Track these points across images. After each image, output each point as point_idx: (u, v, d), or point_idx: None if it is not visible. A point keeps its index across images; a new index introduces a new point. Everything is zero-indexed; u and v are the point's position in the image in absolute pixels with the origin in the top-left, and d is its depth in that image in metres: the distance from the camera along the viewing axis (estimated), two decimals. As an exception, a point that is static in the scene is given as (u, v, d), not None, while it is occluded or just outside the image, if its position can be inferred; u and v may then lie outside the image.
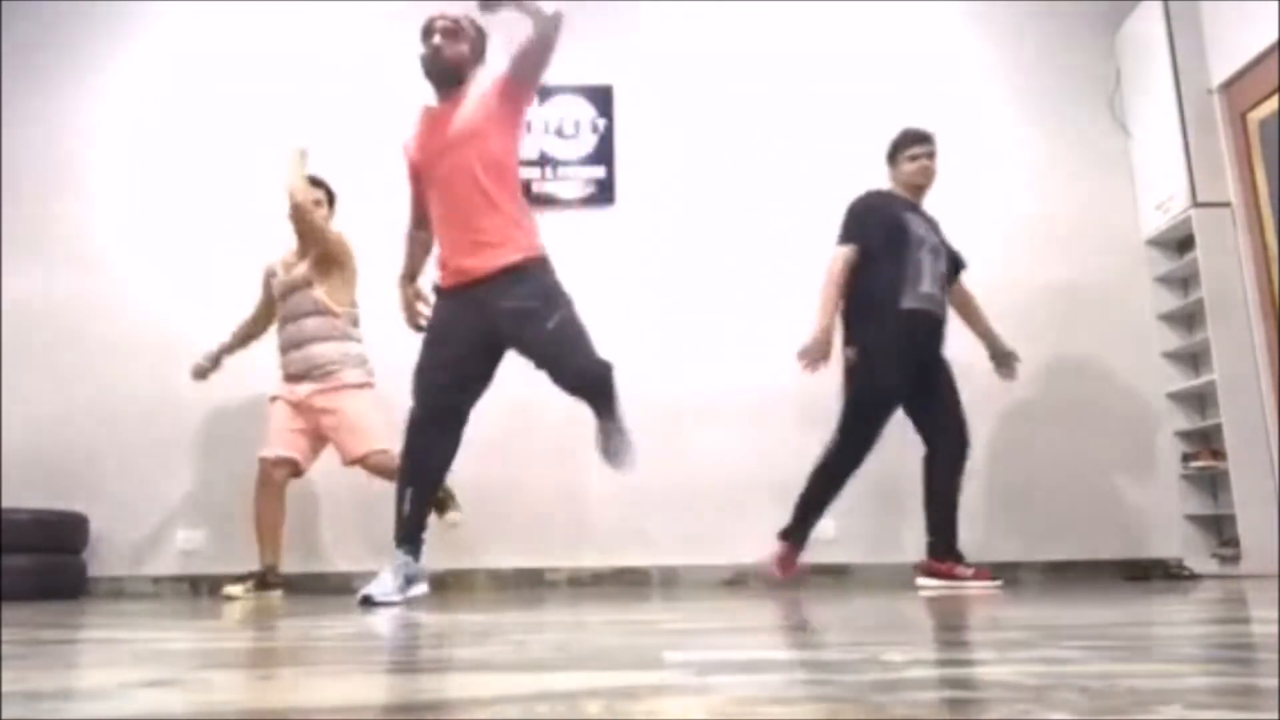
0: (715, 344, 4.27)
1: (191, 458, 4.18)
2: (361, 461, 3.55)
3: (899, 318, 3.35)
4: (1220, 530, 4.01)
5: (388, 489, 3.91)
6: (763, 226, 4.40)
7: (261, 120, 4.50)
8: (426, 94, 2.94)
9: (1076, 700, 0.71)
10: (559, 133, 4.43)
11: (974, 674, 0.89)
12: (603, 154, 4.44)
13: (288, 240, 4.27)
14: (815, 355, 3.36)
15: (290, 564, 3.98)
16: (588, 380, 2.76)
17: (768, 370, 4.24)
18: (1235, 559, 3.74)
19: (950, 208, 4.41)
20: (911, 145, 3.59)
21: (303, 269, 3.66)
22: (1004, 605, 2.13)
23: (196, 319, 4.29)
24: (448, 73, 2.82)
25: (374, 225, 3.94)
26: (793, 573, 3.45)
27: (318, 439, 3.65)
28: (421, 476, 2.79)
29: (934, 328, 3.44)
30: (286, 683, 0.95)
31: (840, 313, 3.46)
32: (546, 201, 4.37)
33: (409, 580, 2.72)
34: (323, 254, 3.63)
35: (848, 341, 3.43)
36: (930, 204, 4.46)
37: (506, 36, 2.85)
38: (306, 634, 1.64)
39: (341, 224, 4.22)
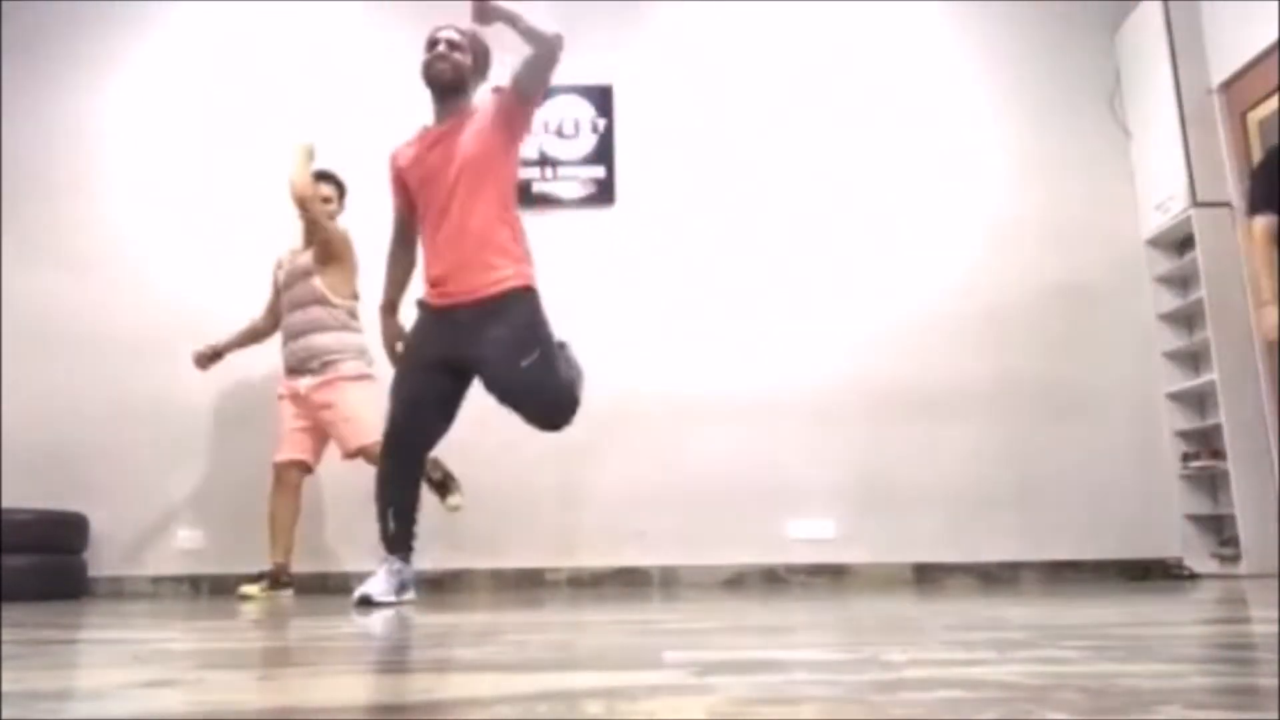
0: (715, 344, 4.27)
1: (191, 458, 4.18)
2: (361, 454, 3.55)
3: None
4: (1220, 530, 4.01)
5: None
6: (762, 226, 4.40)
7: (265, 119, 4.49)
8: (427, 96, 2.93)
9: (1076, 700, 0.71)
10: (559, 133, 4.43)
11: (974, 674, 0.89)
12: (602, 154, 4.44)
13: (293, 237, 4.27)
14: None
15: (290, 564, 3.98)
16: (545, 423, 2.74)
17: (768, 370, 4.24)
18: (1235, 559, 3.74)
19: (950, 207, 4.43)
20: None
21: (306, 258, 3.70)
22: (1003, 605, 2.13)
23: (198, 319, 4.29)
24: (448, 83, 2.81)
25: (380, 221, 3.94)
26: None
27: (321, 433, 3.66)
28: (401, 496, 2.76)
29: None
30: (286, 683, 0.95)
31: None
32: (546, 201, 4.37)
33: (403, 585, 2.73)
34: (323, 245, 3.67)
35: None
36: (929, 203, 4.47)
37: (506, 60, 2.84)
38: (306, 634, 1.64)
39: (350, 219, 4.23)
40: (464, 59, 2.83)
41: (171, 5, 4.64)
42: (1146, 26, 4.25)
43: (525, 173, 4.42)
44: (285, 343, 3.69)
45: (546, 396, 2.68)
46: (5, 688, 0.89)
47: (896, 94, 4.52)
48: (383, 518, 2.73)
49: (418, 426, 2.74)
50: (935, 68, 4.56)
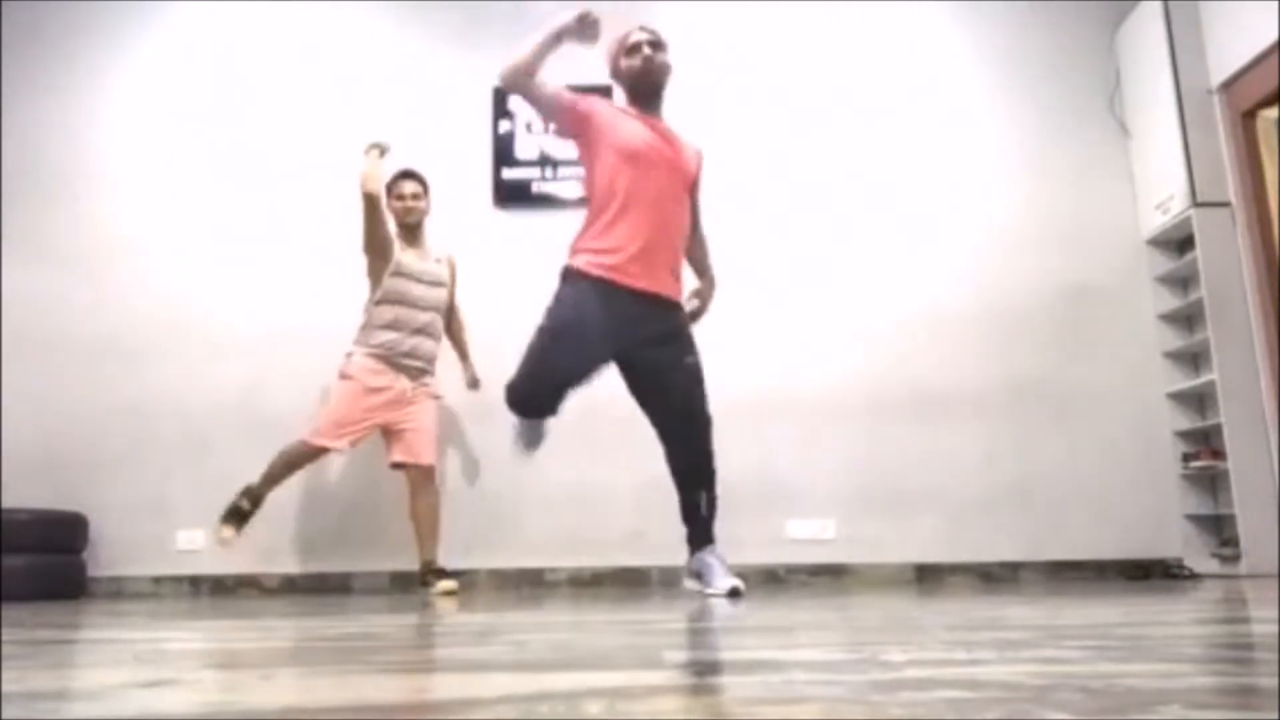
0: (715, 344, 4.25)
1: (191, 458, 4.18)
2: (421, 468, 3.58)
3: None
4: (1220, 530, 4.01)
5: (389, 491, 3.93)
6: (762, 226, 4.40)
7: (265, 120, 4.50)
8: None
9: (1076, 700, 0.71)
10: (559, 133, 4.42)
11: (974, 674, 0.89)
12: (603, 154, 4.43)
13: (292, 237, 4.29)
14: None
15: (290, 564, 4.00)
16: (696, 423, 2.82)
17: (768, 370, 4.24)
18: (1235, 559, 3.74)
19: (950, 208, 4.43)
20: None
21: (442, 270, 3.74)
22: (1004, 605, 2.13)
23: (198, 319, 4.30)
24: (659, 84, 2.95)
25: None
26: None
27: (371, 430, 3.59)
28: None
29: None
30: (286, 683, 0.95)
31: None
32: (546, 201, 4.37)
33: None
34: (369, 243, 3.63)
35: None
36: (928, 204, 4.47)
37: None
38: (306, 634, 1.64)
39: (346, 223, 4.22)
40: (667, 58, 2.95)
41: (173, 5, 4.64)
42: (1146, 26, 4.25)
43: (525, 173, 4.43)
44: (398, 331, 3.60)
45: (699, 401, 2.82)
46: (5, 688, 0.89)
47: (896, 95, 4.52)
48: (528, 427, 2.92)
49: (555, 404, 2.79)
50: (935, 68, 4.56)
